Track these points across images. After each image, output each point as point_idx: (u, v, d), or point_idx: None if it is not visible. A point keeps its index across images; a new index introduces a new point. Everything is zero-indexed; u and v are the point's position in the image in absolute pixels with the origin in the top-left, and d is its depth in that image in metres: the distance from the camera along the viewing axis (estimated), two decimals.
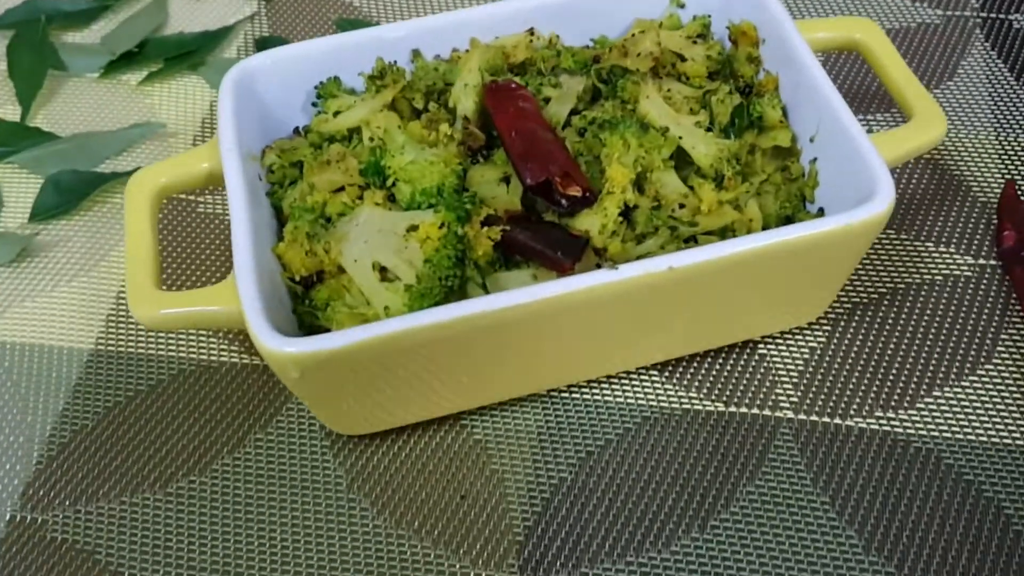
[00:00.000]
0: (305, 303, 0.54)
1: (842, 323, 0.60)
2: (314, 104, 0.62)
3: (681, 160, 0.56)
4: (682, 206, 0.55)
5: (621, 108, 0.57)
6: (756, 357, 0.59)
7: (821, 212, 0.57)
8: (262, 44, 0.78)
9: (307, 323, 0.54)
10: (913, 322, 0.60)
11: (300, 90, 0.62)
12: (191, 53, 0.77)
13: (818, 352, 0.59)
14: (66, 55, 0.77)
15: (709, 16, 0.62)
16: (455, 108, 0.58)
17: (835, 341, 0.59)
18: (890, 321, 0.60)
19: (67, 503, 0.56)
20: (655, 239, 0.54)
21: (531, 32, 0.62)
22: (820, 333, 0.60)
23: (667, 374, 0.58)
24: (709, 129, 0.57)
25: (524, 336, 0.51)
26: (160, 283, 0.53)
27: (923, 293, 0.61)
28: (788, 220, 0.57)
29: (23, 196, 0.70)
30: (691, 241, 0.54)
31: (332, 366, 0.49)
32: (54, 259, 0.66)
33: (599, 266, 0.53)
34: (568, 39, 0.63)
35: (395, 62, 0.60)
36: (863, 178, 0.52)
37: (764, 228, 0.56)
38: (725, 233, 0.55)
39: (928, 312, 0.60)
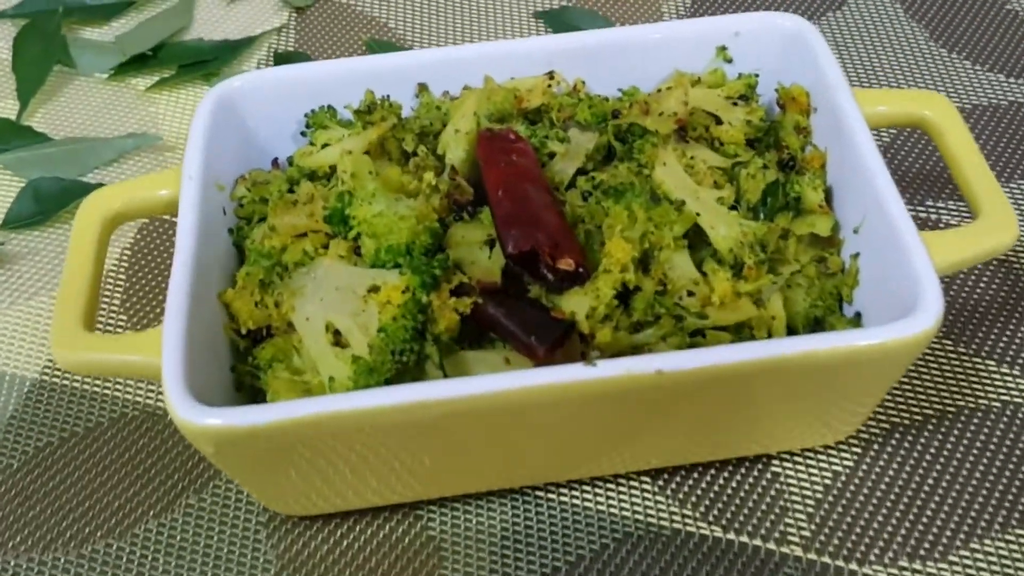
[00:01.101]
0: (248, 360, 0.48)
1: (875, 446, 0.51)
2: (303, 134, 0.55)
3: (698, 240, 0.48)
4: (691, 293, 0.47)
5: (636, 173, 0.50)
6: (768, 476, 0.50)
7: (858, 317, 0.48)
8: (283, 60, 0.72)
9: (247, 384, 0.48)
10: (959, 454, 0.51)
11: (292, 118, 0.55)
12: (206, 63, 0.71)
13: (842, 478, 0.50)
14: (76, 51, 0.72)
15: (756, 76, 0.54)
16: (444, 155, 0.51)
17: (864, 467, 0.50)
18: (932, 450, 0.51)
19: None
20: (655, 329, 0.46)
21: (551, 75, 0.54)
22: (847, 456, 0.51)
23: (660, 483, 0.50)
24: (734, 207, 0.49)
25: (481, 430, 0.44)
26: (91, 322, 0.47)
27: (975, 420, 0.52)
28: (818, 323, 0.48)
29: (0, 200, 0.65)
30: (698, 335, 0.46)
31: (252, 444, 0.42)
32: (17, 273, 0.61)
33: (584, 355, 0.45)
34: (596, 86, 0.56)
35: (388, 96, 0.54)
36: (907, 285, 0.44)
37: (789, 329, 0.47)
38: (741, 330, 0.47)
39: (979, 443, 0.51)
